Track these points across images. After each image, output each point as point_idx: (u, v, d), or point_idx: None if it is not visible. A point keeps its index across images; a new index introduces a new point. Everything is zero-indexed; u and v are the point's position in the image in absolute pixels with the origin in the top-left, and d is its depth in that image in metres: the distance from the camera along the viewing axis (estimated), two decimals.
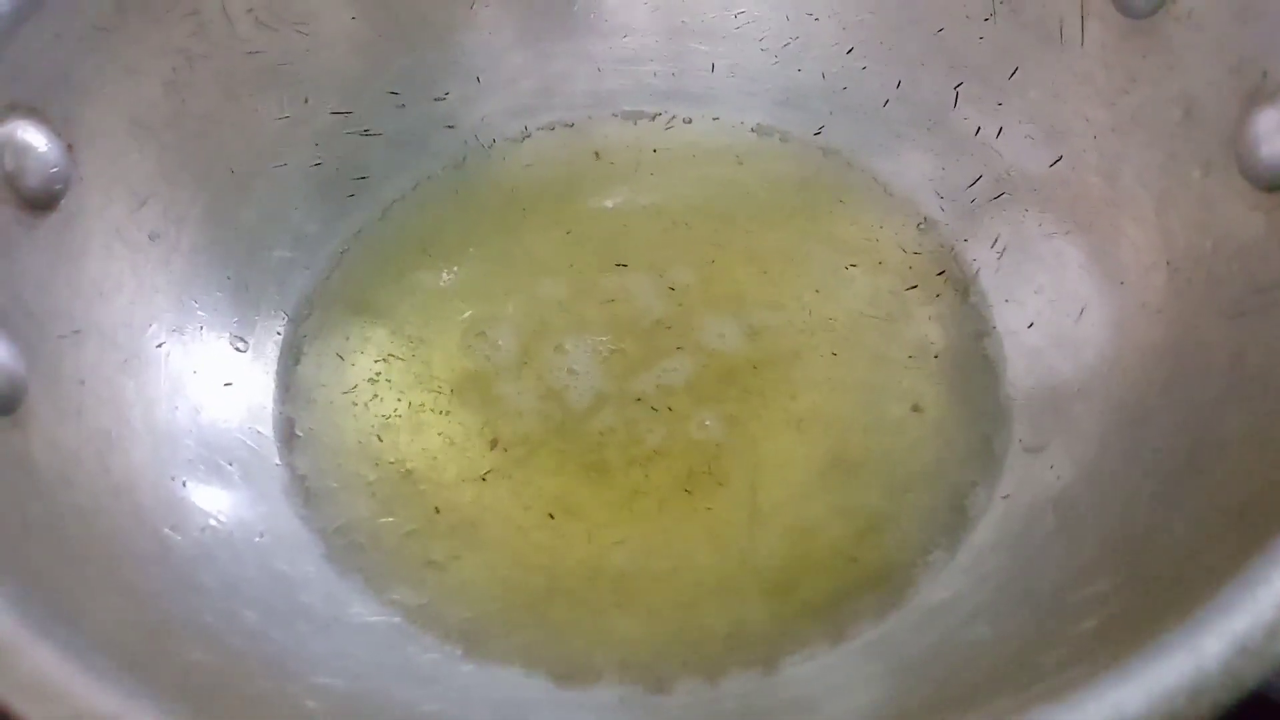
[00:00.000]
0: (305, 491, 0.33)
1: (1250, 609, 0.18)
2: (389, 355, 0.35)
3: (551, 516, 0.32)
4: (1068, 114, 0.34)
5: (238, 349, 0.35)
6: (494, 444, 0.33)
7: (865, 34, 0.38)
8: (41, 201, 0.30)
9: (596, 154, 0.39)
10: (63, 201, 0.31)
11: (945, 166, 0.37)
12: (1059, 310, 0.33)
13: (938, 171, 0.37)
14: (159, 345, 0.33)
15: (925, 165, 0.37)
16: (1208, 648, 0.18)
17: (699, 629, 0.30)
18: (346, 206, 0.38)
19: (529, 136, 0.40)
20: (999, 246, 0.35)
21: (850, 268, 0.36)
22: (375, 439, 0.34)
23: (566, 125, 0.40)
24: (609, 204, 0.38)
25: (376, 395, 0.35)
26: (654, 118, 0.40)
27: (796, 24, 0.39)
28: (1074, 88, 0.34)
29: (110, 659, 0.22)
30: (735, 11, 0.40)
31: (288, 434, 0.34)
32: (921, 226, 0.37)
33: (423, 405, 0.34)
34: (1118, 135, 0.33)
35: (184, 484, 0.31)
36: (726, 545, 0.31)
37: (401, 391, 0.35)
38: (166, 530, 0.29)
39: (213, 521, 0.31)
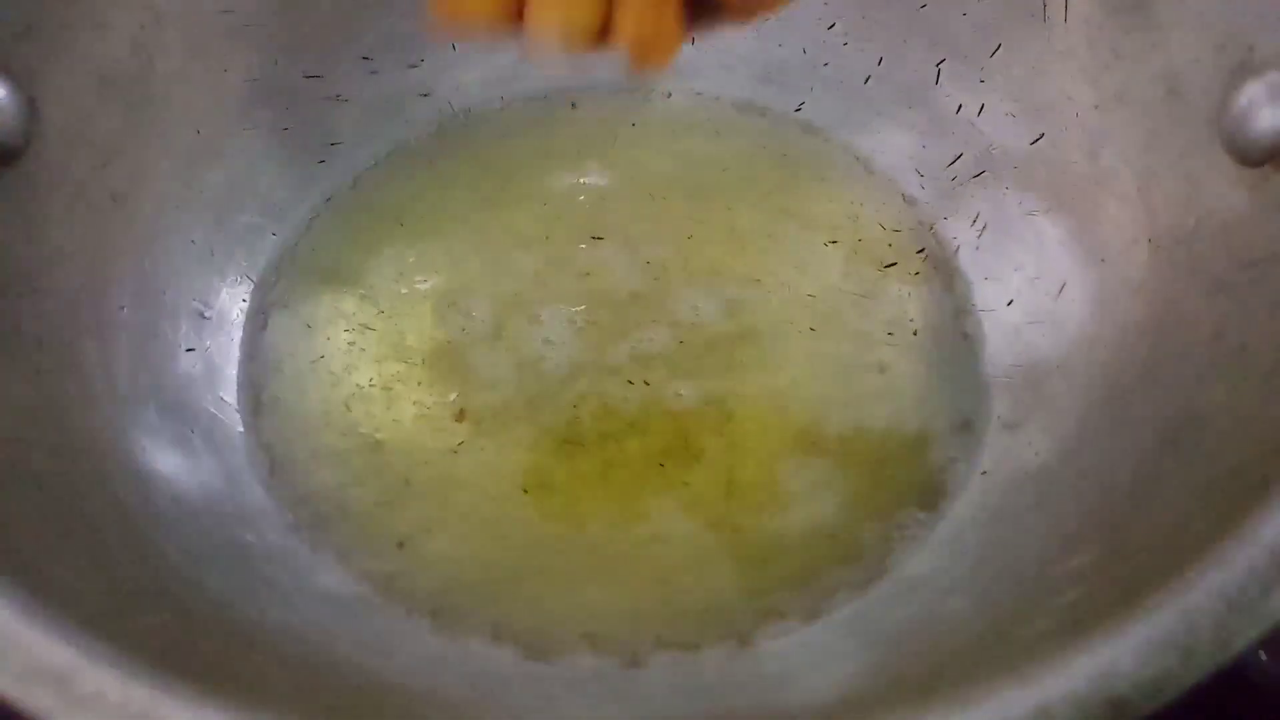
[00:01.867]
0: (271, 460, 0.32)
1: (1240, 567, 0.18)
2: (359, 325, 0.34)
3: (525, 490, 0.31)
4: (1050, 91, 0.34)
5: (202, 315, 0.34)
6: (461, 415, 0.32)
7: (847, 9, 0.38)
8: (1, 157, 0.29)
9: (574, 125, 0.39)
10: (24, 158, 0.30)
11: (926, 144, 0.37)
12: (1039, 288, 0.33)
13: (918, 149, 0.37)
14: (120, 308, 0.32)
15: (906, 142, 0.37)
16: (1199, 606, 0.18)
17: (674, 603, 0.29)
18: (317, 173, 0.37)
19: (505, 106, 0.39)
20: (979, 224, 0.35)
21: (830, 244, 0.36)
22: (345, 409, 0.33)
23: (544, 96, 0.39)
24: (586, 176, 0.38)
25: (346, 364, 0.34)
26: (633, 90, 0.39)
27: None
28: (1057, 65, 0.34)
29: (68, 617, 0.21)
30: None
31: (253, 402, 0.33)
32: (901, 204, 0.36)
33: (394, 375, 0.33)
34: (1100, 112, 0.32)
35: (144, 449, 0.30)
36: (702, 519, 0.31)
37: (372, 361, 0.34)
38: (126, 496, 0.28)
39: (173, 489, 0.30)
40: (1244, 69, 0.28)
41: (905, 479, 0.31)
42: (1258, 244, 0.27)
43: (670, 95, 0.39)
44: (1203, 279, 0.28)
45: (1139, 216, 0.31)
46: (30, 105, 0.30)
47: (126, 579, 0.25)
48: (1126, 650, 0.17)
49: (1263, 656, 0.30)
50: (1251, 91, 0.28)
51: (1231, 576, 0.18)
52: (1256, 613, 0.18)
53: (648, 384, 0.33)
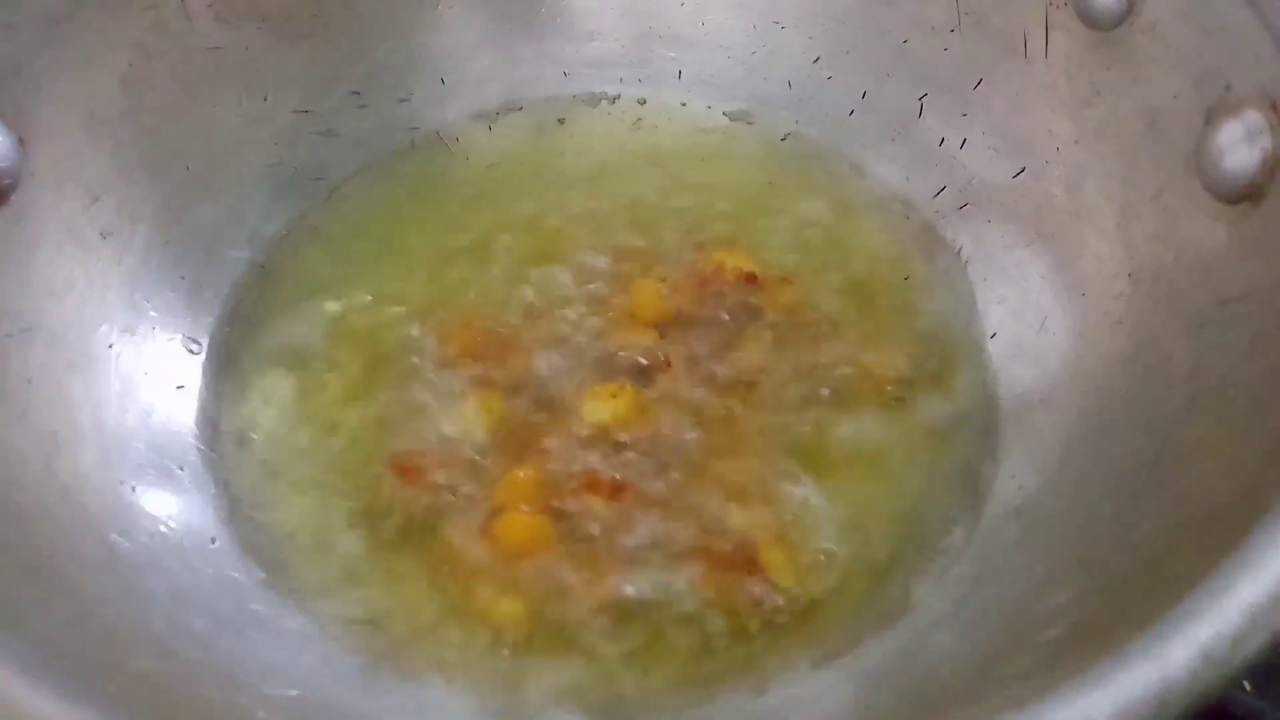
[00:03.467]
0: (255, 497, 0.32)
1: (1214, 618, 0.18)
2: (344, 359, 0.34)
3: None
4: (1031, 125, 0.34)
5: (190, 350, 0.34)
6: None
7: (831, 44, 0.38)
8: None
9: (561, 156, 0.39)
10: (13, 197, 0.30)
11: (910, 177, 0.37)
12: (1021, 320, 0.33)
13: (902, 182, 0.37)
14: (110, 345, 0.32)
15: (890, 175, 0.37)
16: (1173, 656, 0.18)
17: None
18: (305, 207, 0.37)
19: (493, 139, 0.39)
20: (961, 257, 0.35)
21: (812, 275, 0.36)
22: (329, 444, 0.33)
23: (531, 128, 0.39)
24: (574, 208, 0.38)
25: (329, 399, 0.34)
26: (620, 124, 0.40)
27: (763, 33, 0.39)
28: (1038, 99, 0.34)
29: (55, 666, 0.21)
30: (702, 19, 0.40)
31: (241, 438, 0.33)
32: (886, 234, 0.36)
33: (378, 413, 0.33)
34: (1081, 147, 0.33)
35: (133, 488, 0.30)
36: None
37: (354, 397, 0.34)
38: (114, 536, 0.28)
39: (162, 527, 0.30)
40: (1221, 107, 0.29)
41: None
42: (1235, 281, 0.27)
43: (656, 127, 0.40)
44: (1182, 315, 0.29)
45: (1119, 251, 0.31)
46: (20, 145, 0.30)
47: (114, 622, 0.26)
48: (1103, 700, 0.17)
49: (1246, 687, 0.30)
50: (1229, 130, 0.28)
51: (1208, 628, 0.18)
52: (1231, 663, 0.18)
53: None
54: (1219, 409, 0.26)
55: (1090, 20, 0.32)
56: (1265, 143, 0.27)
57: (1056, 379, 0.31)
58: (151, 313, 0.33)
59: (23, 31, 0.31)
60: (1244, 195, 0.28)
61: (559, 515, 0.31)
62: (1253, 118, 0.28)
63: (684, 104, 0.40)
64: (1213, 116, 0.29)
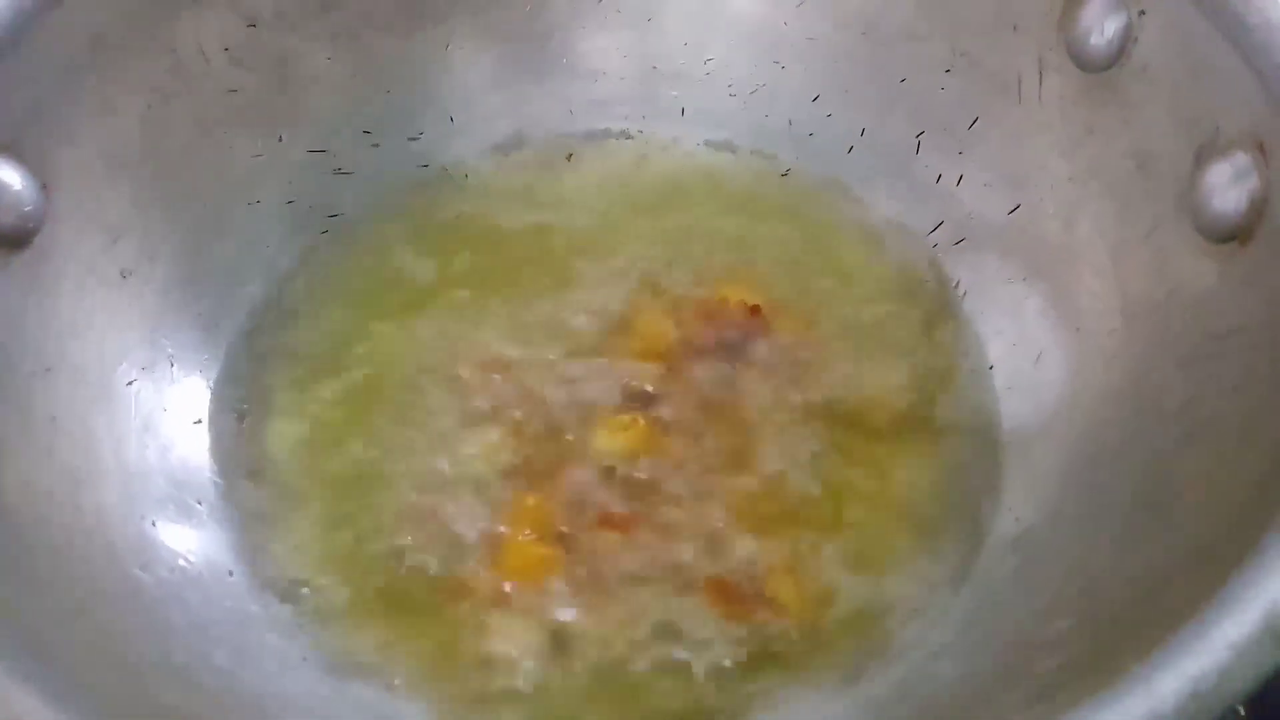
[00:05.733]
0: (272, 531, 0.33)
1: (1202, 652, 0.19)
2: (358, 392, 0.35)
3: None
4: (1026, 164, 0.35)
5: (208, 385, 0.35)
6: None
7: (831, 82, 0.39)
8: (14, 240, 0.30)
9: (567, 192, 0.40)
10: (36, 239, 0.31)
11: (908, 212, 0.38)
12: (1018, 354, 0.34)
13: (900, 216, 0.38)
14: (130, 383, 0.33)
15: (888, 210, 0.38)
16: (1162, 689, 0.18)
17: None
18: (319, 244, 0.38)
19: (501, 175, 0.40)
20: (959, 290, 0.36)
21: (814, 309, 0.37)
22: (343, 476, 0.34)
23: (538, 165, 0.40)
24: (580, 242, 0.39)
25: (343, 432, 0.35)
26: (625, 160, 0.40)
27: (764, 71, 0.40)
28: (1032, 138, 0.35)
29: (84, 699, 0.22)
30: (705, 58, 0.41)
31: (256, 472, 0.34)
32: (884, 269, 0.37)
33: (391, 445, 0.34)
34: (1074, 185, 0.34)
35: (154, 523, 0.31)
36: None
37: (368, 429, 0.34)
38: (137, 570, 0.29)
39: (182, 561, 0.30)
40: (1211, 148, 0.29)
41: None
42: (1226, 318, 0.28)
43: (660, 164, 0.40)
44: (1174, 350, 0.29)
45: (1112, 287, 0.32)
46: (43, 189, 0.31)
47: (139, 655, 0.26)
48: None
49: (1240, 712, 0.31)
50: (1218, 170, 0.29)
51: (1195, 662, 0.19)
52: (1216, 697, 0.19)
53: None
54: (1211, 442, 0.27)
55: (1083, 62, 0.33)
56: (1253, 183, 0.28)
57: (1053, 412, 0.32)
58: (170, 349, 0.34)
59: (45, 77, 0.31)
60: (1232, 235, 0.29)
61: (569, 544, 0.32)
62: (1241, 159, 0.29)
63: (686, 140, 0.41)
64: (1202, 157, 0.30)
